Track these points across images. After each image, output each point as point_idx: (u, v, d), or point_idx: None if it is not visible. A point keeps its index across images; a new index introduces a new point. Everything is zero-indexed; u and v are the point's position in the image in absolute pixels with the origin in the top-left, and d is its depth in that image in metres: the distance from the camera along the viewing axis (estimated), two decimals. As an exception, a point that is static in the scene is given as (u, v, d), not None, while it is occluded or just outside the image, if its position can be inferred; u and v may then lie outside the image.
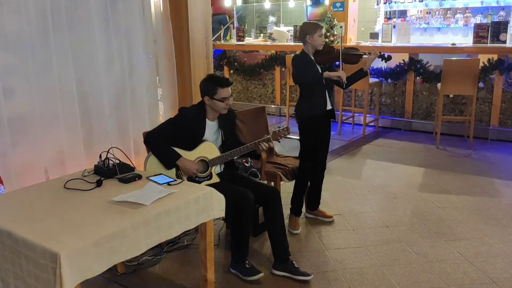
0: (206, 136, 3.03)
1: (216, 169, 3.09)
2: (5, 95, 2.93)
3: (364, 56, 3.61)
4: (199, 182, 2.92)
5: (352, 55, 3.63)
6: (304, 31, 3.45)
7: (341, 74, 3.45)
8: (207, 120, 3.05)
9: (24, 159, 3.05)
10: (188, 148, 2.96)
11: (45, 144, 3.17)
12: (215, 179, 3.02)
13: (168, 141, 2.96)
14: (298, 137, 3.64)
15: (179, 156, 2.92)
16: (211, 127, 3.06)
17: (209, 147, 3.01)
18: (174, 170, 2.94)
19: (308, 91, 3.50)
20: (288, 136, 3.14)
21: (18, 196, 2.46)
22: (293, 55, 3.79)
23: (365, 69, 3.64)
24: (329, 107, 3.54)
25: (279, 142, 3.13)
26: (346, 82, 3.50)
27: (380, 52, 3.60)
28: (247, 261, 2.97)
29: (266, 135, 3.05)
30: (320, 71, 3.48)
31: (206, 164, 3.00)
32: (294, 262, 2.99)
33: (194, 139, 2.99)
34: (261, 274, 2.92)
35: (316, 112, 3.49)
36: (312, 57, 3.48)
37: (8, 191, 2.71)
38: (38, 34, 3.07)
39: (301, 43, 3.51)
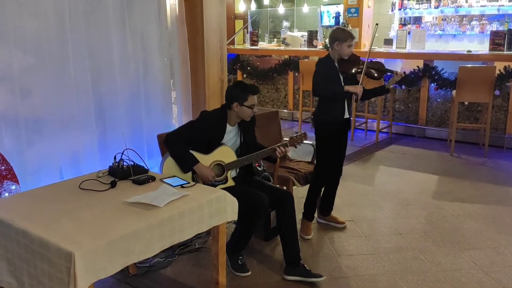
0: (224, 141, 3.03)
1: (232, 173, 3.09)
2: (22, 95, 2.98)
3: (389, 74, 3.55)
4: (215, 186, 2.92)
5: (377, 70, 3.55)
6: (334, 37, 3.40)
7: (358, 90, 3.39)
8: (227, 125, 3.05)
9: (39, 159, 3.08)
10: (205, 151, 2.97)
11: (61, 144, 3.20)
12: (231, 183, 3.02)
13: (186, 143, 2.97)
14: (311, 142, 3.62)
15: (197, 161, 2.90)
16: (230, 132, 3.06)
17: (226, 151, 3.01)
18: (190, 173, 2.94)
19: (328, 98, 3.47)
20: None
21: (34, 196, 2.48)
22: (317, 58, 3.68)
23: (388, 86, 3.60)
24: (346, 115, 3.51)
25: (296, 147, 3.14)
26: (360, 99, 3.44)
27: (404, 73, 3.57)
28: (241, 257, 3.08)
29: (284, 140, 3.06)
30: (342, 80, 3.43)
31: (222, 168, 3.00)
32: (305, 265, 2.98)
33: (212, 143, 3.00)
34: (248, 273, 3.02)
35: (333, 118, 3.47)
36: (337, 64, 3.43)
37: (23, 190, 2.73)
38: (56, 35, 3.11)
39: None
